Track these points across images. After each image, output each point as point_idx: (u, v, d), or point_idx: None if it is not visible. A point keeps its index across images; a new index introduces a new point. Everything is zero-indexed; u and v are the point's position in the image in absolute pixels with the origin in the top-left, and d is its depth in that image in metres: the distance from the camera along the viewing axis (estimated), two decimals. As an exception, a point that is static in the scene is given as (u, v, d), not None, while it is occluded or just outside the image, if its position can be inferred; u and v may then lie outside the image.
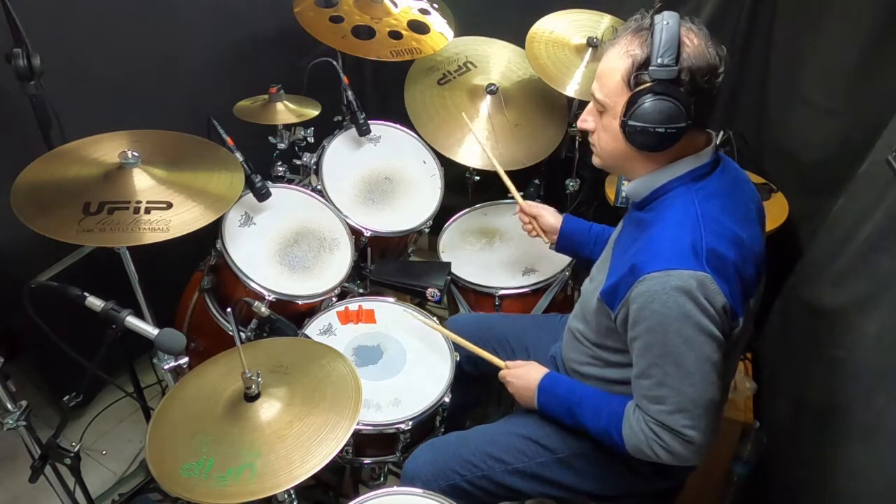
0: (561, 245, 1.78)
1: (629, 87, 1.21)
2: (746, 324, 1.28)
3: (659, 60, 1.17)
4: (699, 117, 1.21)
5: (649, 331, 1.21)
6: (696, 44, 1.19)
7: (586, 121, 1.35)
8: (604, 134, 1.31)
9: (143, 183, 1.49)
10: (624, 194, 1.38)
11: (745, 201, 1.33)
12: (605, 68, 1.26)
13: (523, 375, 1.52)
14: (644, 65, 1.19)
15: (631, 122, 1.21)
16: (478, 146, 2.20)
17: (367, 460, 1.70)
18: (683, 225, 1.22)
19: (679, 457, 1.25)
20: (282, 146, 2.12)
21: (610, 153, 1.32)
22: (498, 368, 1.58)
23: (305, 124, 2.09)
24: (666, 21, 1.17)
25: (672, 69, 1.17)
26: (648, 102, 1.18)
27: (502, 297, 2.04)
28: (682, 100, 1.18)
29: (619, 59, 1.23)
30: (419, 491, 1.39)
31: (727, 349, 1.22)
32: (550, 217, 1.79)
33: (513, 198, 1.88)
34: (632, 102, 1.20)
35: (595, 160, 1.39)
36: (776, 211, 2.08)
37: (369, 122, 2.12)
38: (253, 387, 1.27)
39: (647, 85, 1.19)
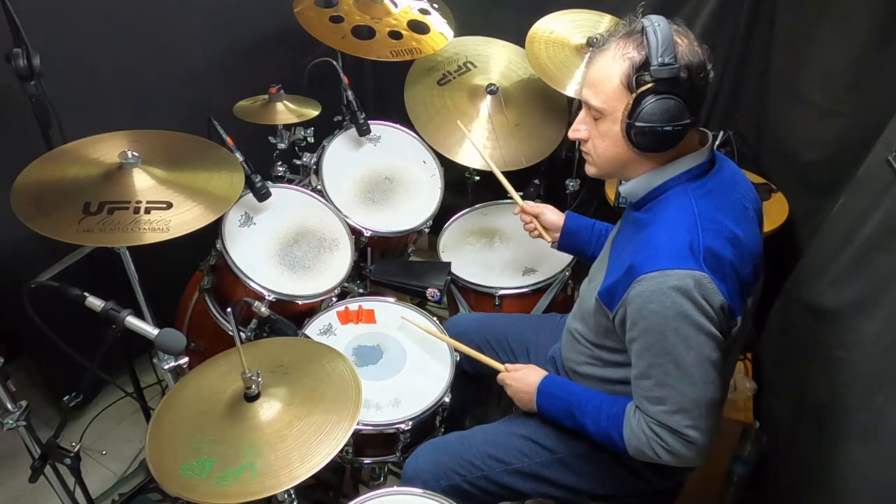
0: (563, 243, 1.77)
1: (630, 89, 1.21)
2: (745, 323, 1.28)
3: (660, 60, 1.17)
4: (697, 115, 1.22)
5: (648, 331, 1.21)
6: (685, 43, 1.21)
7: (579, 130, 1.33)
8: (601, 141, 1.30)
9: (143, 183, 1.49)
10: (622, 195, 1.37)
11: (742, 200, 1.32)
12: (599, 74, 1.25)
13: (522, 378, 1.51)
14: (644, 66, 1.19)
15: (638, 124, 1.21)
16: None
17: (367, 460, 1.70)
18: (680, 225, 1.22)
19: (681, 457, 1.24)
20: (282, 146, 2.12)
21: (609, 159, 1.31)
22: (497, 371, 1.58)
23: (305, 124, 2.09)
24: (656, 23, 1.19)
25: (674, 67, 1.17)
26: (654, 102, 1.19)
27: (502, 297, 2.04)
28: (685, 97, 1.19)
29: (614, 64, 1.22)
30: (419, 491, 1.39)
31: (726, 348, 1.22)
32: (552, 214, 1.78)
33: (512, 198, 1.87)
34: (636, 104, 1.20)
35: (589, 169, 1.38)
36: (776, 211, 2.07)
37: (369, 122, 2.12)
38: (253, 387, 1.27)
39: (650, 85, 1.19)
